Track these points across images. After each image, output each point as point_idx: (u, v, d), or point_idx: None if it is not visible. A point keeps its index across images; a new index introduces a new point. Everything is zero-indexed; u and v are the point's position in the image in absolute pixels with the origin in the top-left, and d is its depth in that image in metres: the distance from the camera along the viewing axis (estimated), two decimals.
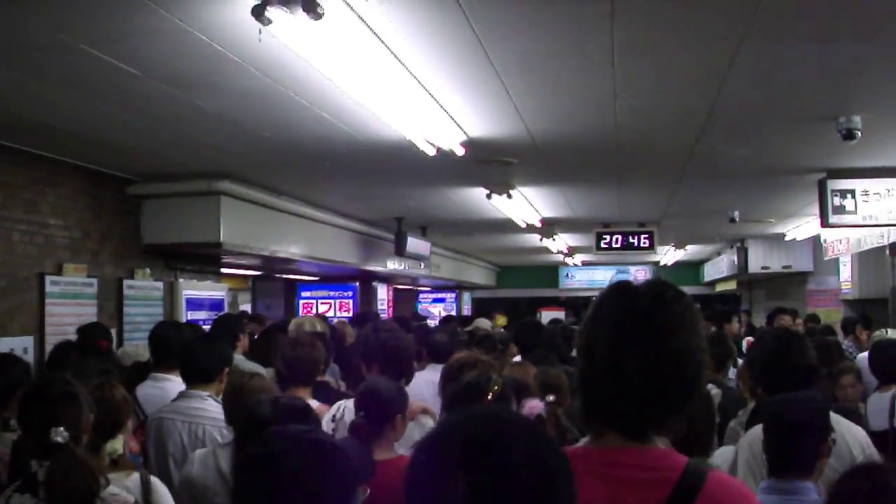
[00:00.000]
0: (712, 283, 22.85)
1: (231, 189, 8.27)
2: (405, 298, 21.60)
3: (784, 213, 12.10)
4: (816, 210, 11.30)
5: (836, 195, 8.23)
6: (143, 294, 8.38)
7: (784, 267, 16.33)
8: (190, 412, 4.39)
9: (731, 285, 21.38)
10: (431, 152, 6.39)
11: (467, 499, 1.26)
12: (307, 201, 10.04)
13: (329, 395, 4.98)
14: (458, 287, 22.28)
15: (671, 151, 7.34)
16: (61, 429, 3.01)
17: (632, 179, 8.88)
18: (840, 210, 8.25)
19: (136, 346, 6.40)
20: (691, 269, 23.65)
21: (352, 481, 1.96)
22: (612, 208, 11.16)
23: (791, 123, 6.52)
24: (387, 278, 15.98)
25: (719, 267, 20.04)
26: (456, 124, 6.03)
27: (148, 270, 8.48)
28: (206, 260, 9.59)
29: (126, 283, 8.10)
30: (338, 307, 15.19)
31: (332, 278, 15.10)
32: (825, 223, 8.41)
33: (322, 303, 15.31)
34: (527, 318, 11.40)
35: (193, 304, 9.11)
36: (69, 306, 7.28)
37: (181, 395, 4.53)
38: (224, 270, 10.59)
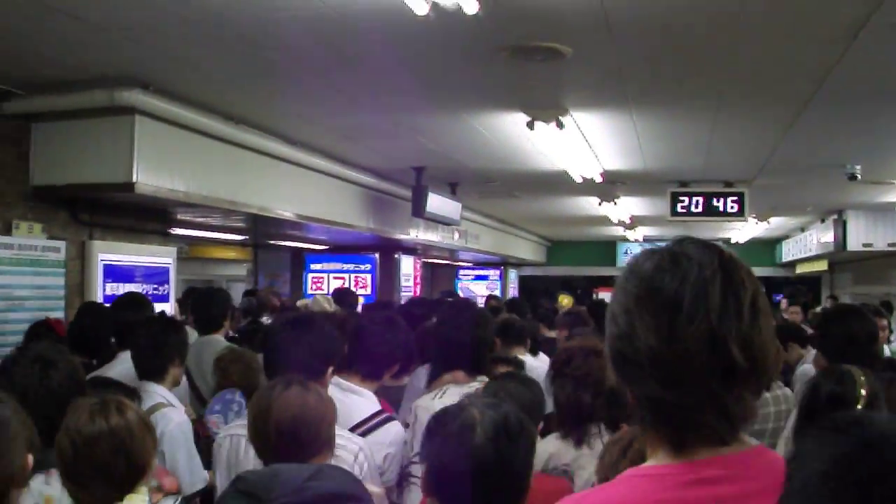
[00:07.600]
0: (792, 264, 19.76)
1: (149, 104, 5.64)
2: (442, 275, 19.51)
3: None
4: None
5: None
6: (28, 258, 5.80)
7: (890, 245, 13.31)
8: None
9: (820, 266, 18.36)
10: (423, 10, 3.66)
11: None
12: (281, 136, 7.33)
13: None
14: (503, 263, 19.65)
15: (820, 39, 4.50)
16: None
17: (738, 100, 6.01)
18: None
19: None
20: (766, 247, 20.53)
21: None
22: (698, 154, 8.28)
23: None
24: (413, 249, 13.29)
25: (804, 245, 16.93)
26: None
27: (39, 225, 5.92)
28: (144, 214, 6.99)
29: None
30: (353, 283, 12.69)
31: (347, 248, 12.61)
32: None
33: (335, 277, 12.91)
34: None
35: (116, 274, 6.51)
36: None
37: None
38: (179, 232, 7.99)
